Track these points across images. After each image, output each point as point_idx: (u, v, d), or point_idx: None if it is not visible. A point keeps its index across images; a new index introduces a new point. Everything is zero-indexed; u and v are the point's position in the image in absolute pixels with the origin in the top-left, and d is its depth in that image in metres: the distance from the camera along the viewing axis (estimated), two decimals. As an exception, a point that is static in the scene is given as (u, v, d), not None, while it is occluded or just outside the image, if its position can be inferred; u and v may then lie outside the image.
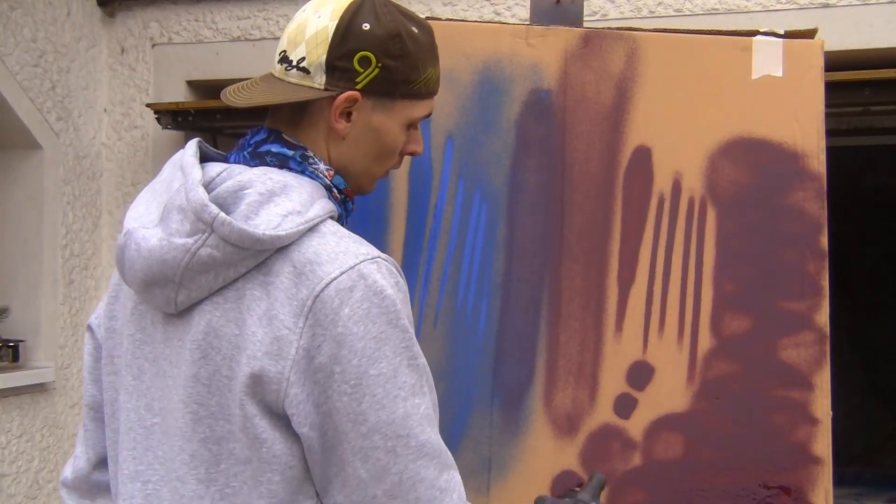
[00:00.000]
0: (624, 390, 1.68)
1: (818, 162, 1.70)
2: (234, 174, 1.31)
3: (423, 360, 1.28)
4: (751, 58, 1.73)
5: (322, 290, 1.23)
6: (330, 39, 1.34)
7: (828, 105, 1.72)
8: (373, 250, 1.30)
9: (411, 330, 1.27)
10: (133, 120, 4.14)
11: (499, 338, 1.70)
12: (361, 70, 1.34)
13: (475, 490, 1.67)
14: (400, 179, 1.75)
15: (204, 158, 1.39)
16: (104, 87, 4.18)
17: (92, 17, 4.13)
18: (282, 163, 1.36)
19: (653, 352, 1.69)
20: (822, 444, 1.64)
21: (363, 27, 1.34)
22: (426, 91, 1.41)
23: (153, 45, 4.13)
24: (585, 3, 1.86)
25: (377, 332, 1.23)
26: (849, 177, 4.36)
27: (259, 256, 1.26)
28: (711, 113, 1.72)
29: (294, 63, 1.37)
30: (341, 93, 1.34)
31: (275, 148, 1.37)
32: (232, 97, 1.42)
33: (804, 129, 1.71)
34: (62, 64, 3.95)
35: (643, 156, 1.73)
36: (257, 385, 1.23)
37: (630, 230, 1.71)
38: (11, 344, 3.76)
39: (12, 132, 3.77)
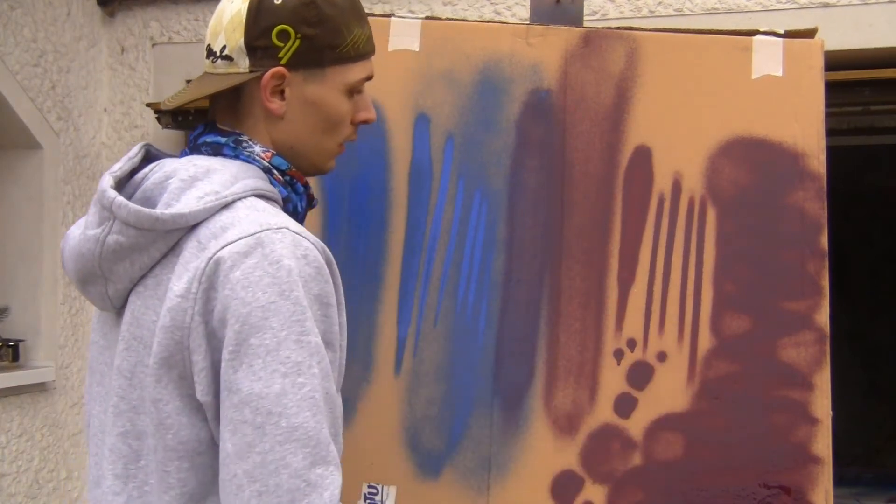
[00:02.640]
0: (624, 390, 1.68)
1: (818, 162, 1.70)
2: (164, 167, 1.31)
3: (317, 339, 1.21)
4: (751, 58, 1.73)
5: (216, 252, 1.20)
6: (245, 21, 1.33)
7: (828, 105, 1.72)
8: (284, 221, 1.25)
9: (310, 306, 1.20)
10: (133, 119, 4.14)
11: (499, 338, 1.70)
12: (282, 44, 1.33)
13: (475, 490, 1.67)
14: (400, 179, 1.75)
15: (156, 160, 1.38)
16: (104, 86, 4.18)
17: (92, 16, 4.13)
18: (216, 151, 1.35)
19: (653, 352, 1.69)
20: (823, 444, 1.64)
21: (275, 2, 1.32)
22: (356, 53, 1.38)
23: (153, 45, 4.13)
24: (585, 3, 1.86)
25: (266, 300, 1.17)
26: (849, 177, 4.36)
27: (169, 238, 1.25)
28: (711, 113, 1.72)
29: (218, 53, 1.36)
30: (266, 71, 1.33)
31: (209, 138, 1.36)
32: (167, 101, 1.42)
33: (804, 128, 1.71)
34: (62, 64, 3.95)
35: (643, 156, 1.73)
36: (163, 365, 1.21)
37: (630, 230, 1.71)
38: (11, 344, 3.76)
39: (12, 132, 3.77)
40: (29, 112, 3.76)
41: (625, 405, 1.68)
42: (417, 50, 1.77)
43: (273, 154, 1.36)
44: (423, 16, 1.80)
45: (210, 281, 1.20)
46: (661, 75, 1.73)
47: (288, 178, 1.38)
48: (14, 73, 3.69)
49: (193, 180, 1.27)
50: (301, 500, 1.15)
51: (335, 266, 1.29)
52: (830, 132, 1.78)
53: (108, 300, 1.30)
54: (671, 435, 1.66)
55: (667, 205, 1.72)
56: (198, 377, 1.20)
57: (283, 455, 1.15)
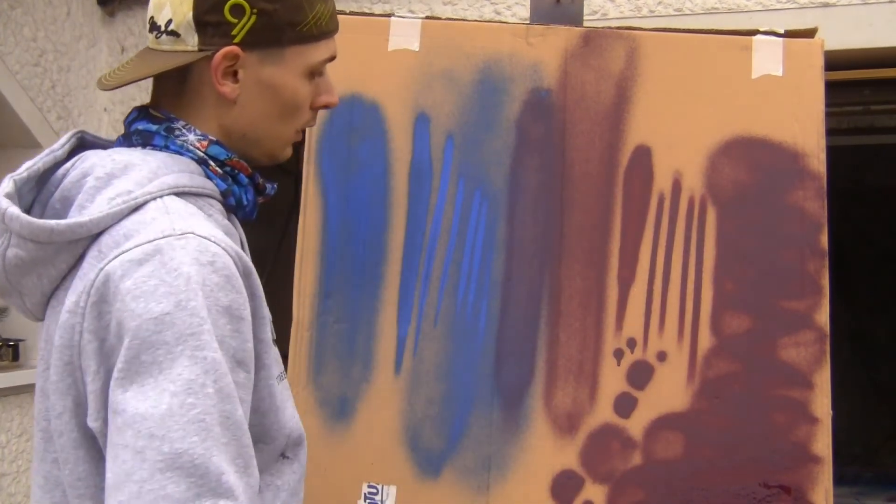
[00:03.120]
0: (624, 390, 1.68)
1: (818, 161, 1.70)
2: (84, 161, 1.18)
3: (216, 355, 1.05)
4: (751, 57, 1.73)
5: (108, 262, 1.07)
6: None
7: (828, 104, 1.72)
8: (192, 226, 1.10)
9: (214, 319, 1.06)
10: (133, 119, 4.14)
11: (499, 337, 1.70)
12: (235, 20, 1.18)
13: (475, 490, 1.67)
14: (400, 179, 1.75)
15: (94, 148, 1.24)
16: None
17: (92, 16, 4.13)
18: (146, 140, 1.21)
19: (653, 351, 1.69)
20: (823, 444, 1.64)
21: None
22: (319, 31, 1.24)
23: (153, 45, 4.13)
24: (585, 3, 1.86)
25: (159, 311, 1.03)
26: (849, 177, 4.36)
27: (74, 248, 1.12)
28: (711, 113, 1.72)
29: (163, 28, 1.20)
30: (217, 50, 1.18)
31: (141, 125, 1.22)
32: (104, 80, 1.26)
33: (804, 128, 1.71)
34: (62, 63, 3.95)
35: (643, 155, 1.73)
36: (57, 391, 1.09)
37: (630, 230, 1.71)
38: (11, 343, 3.76)
39: (12, 131, 3.77)
40: (29, 112, 3.76)
41: (625, 405, 1.68)
42: (417, 50, 1.77)
43: (210, 142, 1.21)
44: (423, 16, 1.80)
45: (100, 294, 1.06)
46: (661, 75, 1.73)
47: (228, 168, 1.23)
48: (14, 73, 3.69)
49: (110, 178, 1.14)
50: None
51: (255, 277, 1.16)
52: (830, 132, 1.78)
53: (31, 313, 1.19)
54: (671, 434, 1.66)
55: (667, 204, 1.72)
56: (88, 400, 1.07)
57: (163, 485, 0.99)
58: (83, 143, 1.26)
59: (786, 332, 1.67)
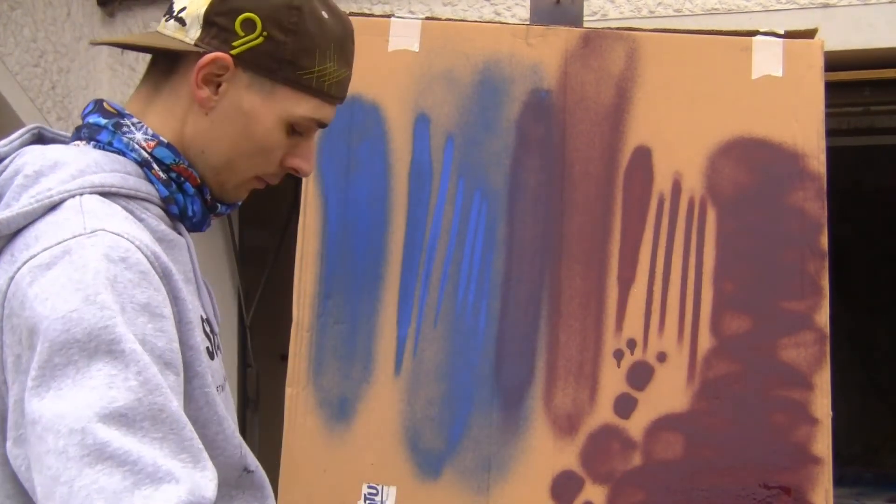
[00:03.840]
0: (624, 390, 1.68)
1: (818, 162, 1.70)
2: (19, 157, 1.13)
3: (134, 346, 0.98)
4: (751, 58, 1.73)
5: (17, 271, 1.01)
6: None
7: (828, 105, 1.72)
8: (104, 223, 1.04)
9: (131, 316, 0.99)
10: (133, 120, 4.14)
11: (499, 338, 1.70)
12: (242, 34, 1.14)
13: (475, 490, 1.67)
14: (400, 179, 1.75)
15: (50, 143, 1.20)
16: (104, 86, 4.18)
17: (92, 17, 4.13)
18: (92, 135, 1.16)
19: (653, 352, 1.69)
20: (822, 444, 1.64)
21: None
22: (318, 87, 1.18)
23: (153, 45, 4.13)
24: (585, 3, 1.86)
25: (66, 310, 0.96)
26: (849, 177, 4.36)
27: None
28: (711, 113, 1.72)
29: (175, 13, 1.17)
30: (210, 52, 1.14)
31: (92, 119, 1.17)
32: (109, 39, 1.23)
33: (804, 129, 1.71)
34: (62, 64, 3.95)
35: (643, 156, 1.73)
36: None
37: (630, 230, 1.71)
38: None
39: (12, 132, 3.77)
40: (29, 112, 3.76)
41: (625, 405, 1.68)
42: (417, 50, 1.77)
43: (159, 143, 1.15)
44: (423, 16, 1.80)
45: (10, 306, 1.00)
46: (661, 75, 1.73)
47: (173, 174, 1.16)
48: (14, 74, 3.69)
49: (38, 176, 1.08)
50: None
51: (175, 279, 1.09)
52: (830, 132, 1.78)
53: None
54: (671, 435, 1.66)
55: (667, 205, 1.72)
56: (8, 421, 1.00)
57: (94, 479, 0.91)
58: (41, 139, 1.20)
59: (786, 333, 1.67)
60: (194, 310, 1.13)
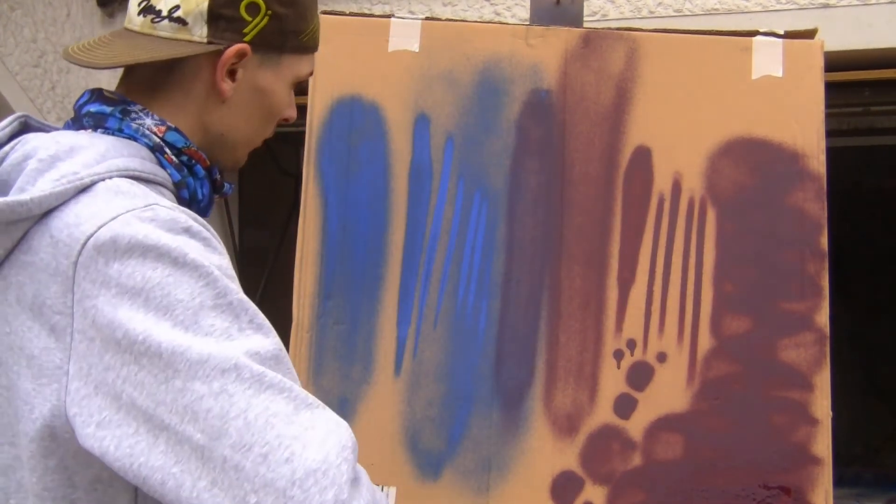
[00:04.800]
0: (624, 390, 1.68)
1: (818, 162, 1.70)
2: (25, 143, 1.11)
3: (238, 296, 0.99)
4: (751, 58, 1.73)
5: (79, 252, 0.99)
6: None
7: (828, 105, 1.72)
8: (157, 200, 1.05)
9: (213, 269, 0.99)
10: (133, 120, 4.15)
11: (499, 338, 1.70)
12: (250, 19, 1.15)
13: (475, 490, 1.67)
14: (400, 179, 1.75)
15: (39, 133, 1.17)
16: (104, 86, 4.19)
17: (92, 17, 4.13)
18: (98, 122, 1.15)
19: (653, 352, 1.69)
20: (822, 445, 1.64)
21: None
22: (313, 44, 1.24)
23: (153, 46, 4.13)
24: (585, 4, 1.86)
25: (160, 277, 0.97)
26: (849, 177, 4.36)
27: (13, 231, 1.03)
28: (711, 113, 1.72)
29: (165, 14, 1.15)
30: (228, 46, 1.14)
31: (93, 107, 1.16)
32: (82, 55, 1.18)
33: (804, 129, 1.71)
34: (62, 64, 3.96)
35: (643, 156, 1.73)
36: (39, 393, 1.00)
37: (630, 230, 1.71)
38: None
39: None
40: (29, 112, 3.77)
41: (625, 406, 1.68)
42: (417, 50, 1.77)
43: (168, 128, 1.15)
44: (423, 16, 1.80)
45: (82, 289, 0.98)
46: (661, 75, 1.73)
47: (184, 158, 1.17)
48: (14, 74, 3.69)
49: (54, 160, 1.07)
50: (311, 440, 0.95)
51: (224, 249, 1.09)
52: (830, 133, 1.78)
53: None
54: (671, 435, 1.66)
55: (667, 205, 1.72)
56: (78, 408, 0.98)
57: (265, 405, 0.94)
58: (27, 128, 1.19)
59: (786, 334, 1.67)
60: None
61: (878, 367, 5.79)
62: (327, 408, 1.01)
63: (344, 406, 1.69)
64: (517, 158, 1.74)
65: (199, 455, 0.93)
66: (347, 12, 1.83)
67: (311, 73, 1.27)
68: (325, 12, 1.80)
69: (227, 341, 0.96)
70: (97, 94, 1.19)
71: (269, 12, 1.17)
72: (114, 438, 0.96)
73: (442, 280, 1.72)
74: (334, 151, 1.75)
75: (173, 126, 1.16)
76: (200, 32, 1.15)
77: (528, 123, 1.75)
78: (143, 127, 1.15)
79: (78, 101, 1.20)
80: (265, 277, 4.66)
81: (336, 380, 1.71)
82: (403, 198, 1.74)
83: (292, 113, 1.27)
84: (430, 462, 1.68)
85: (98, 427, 0.96)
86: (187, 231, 1.02)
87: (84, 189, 1.05)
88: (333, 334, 1.71)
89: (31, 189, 1.05)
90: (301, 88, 1.67)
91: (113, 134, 1.14)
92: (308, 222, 1.74)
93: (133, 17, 1.18)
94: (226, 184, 1.26)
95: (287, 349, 1.69)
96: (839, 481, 1.78)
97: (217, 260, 1.02)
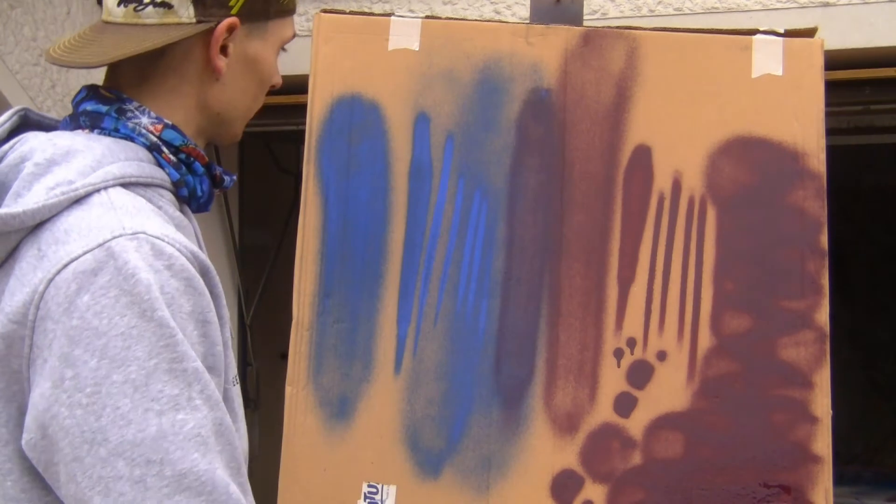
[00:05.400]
0: (624, 389, 1.68)
1: (818, 161, 1.70)
2: (23, 144, 1.10)
3: (194, 364, 0.99)
4: (751, 57, 1.73)
5: (57, 272, 0.99)
6: None
7: (828, 104, 1.72)
8: (143, 224, 1.03)
9: (181, 324, 1.00)
10: (133, 119, 4.14)
11: (499, 337, 1.70)
12: None
13: (475, 489, 1.67)
14: (400, 178, 1.75)
15: (38, 128, 1.19)
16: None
17: (92, 15, 4.13)
18: (94, 122, 1.15)
19: (653, 351, 1.69)
20: (823, 443, 1.64)
21: None
22: (293, 5, 1.26)
23: (153, 44, 4.13)
24: (585, 2, 1.86)
25: (125, 326, 0.96)
26: (849, 176, 4.36)
27: (6, 241, 1.03)
28: (711, 111, 1.72)
29: (147, 0, 1.14)
30: (218, 22, 1.14)
31: (89, 106, 1.16)
32: (69, 56, 1.16)
33: (804, 128, 1.71)
34: (62, 63, 3.95)
35: (643, 155, 1.73)
36: (3, 398, 1.01)
37: (630, 229, 1.71)
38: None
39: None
40: (29, 111, 3.76)
41: (625, 404, 1.68)
42: (417, 49, 1.76)
43: (165, 126, 1.15)
44: (423, 15, 1.80)
45: (48, 307, 0.98)
46: (661, 75, 1.73)
47: (182, 156, 1.17)
48: (14, 73, 3.69)
49: (50, 164, 1.06)
50: None
51: (213, 274, 1.09)
52: (830, 131, 1.78)
53: None
54: (671, 434, 1.66)
55: (667, 204, 1.72)
56: (28, 414, 1.00)
57: None
58: (27, 122, 1.18)
59: (786, 332, 1.67)
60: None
61: (879, 366, 5.79)
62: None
63: (344, 404, 1.69)
64: (517, 157, 1.74)
65: None
66: (347, 11, 1.83)
67: (294, 35, 1.27)
68: (325, 11, 1.80)
69: (170, 412, 0.96)
70: (93, 91, 1.18)
71: None
72: (41, 463, 0.99)
73: (442, 278, 1.72)
74: (334, 150, 1.75)
75: (170, 123, 1.16)
76: (188, 13, 1.14)
77: (529, 122, 1.75)
78: (139, 126, 1.14)
79: (75, 97, 1.20)
80: (265, 276, 4.66)
81: (336, 378, 1.71)
82: (403, 196, 1.74)
83: (279, 79, 1.28)
84: (430, 460, 1.68)
85: (27, 447, 0.99)
86: (170, 268, 1.01)
87: (78, 200, 1.04)
88: (333, 332, 1.72)
89: (26, 195, 1.04)
90: (301, 87, 1.69)
91: (109, 134, 1.13)
92: (308, 221, 1.74)
93: (112, 9, 1.16)
94: (226, 177, 1.25)
95: (288, 347, 1.71)
96: (839, 480, 1.78)
97: (189, 305, 1.01)
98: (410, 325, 1.71)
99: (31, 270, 1.01)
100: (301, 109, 1.78)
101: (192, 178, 1.18)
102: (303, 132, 1.76)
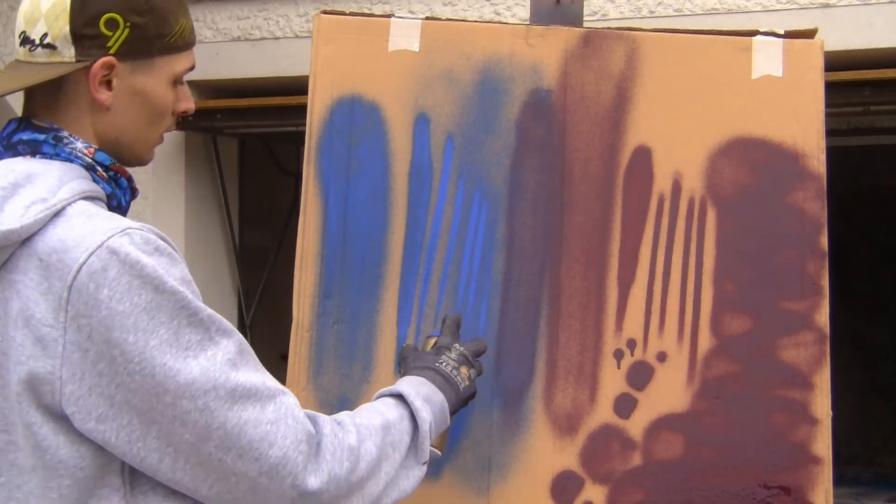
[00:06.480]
0: (624, 390, 1.68)
1: (818, 162, 1.70)
2: None
3: (205, 312, 1.23)
4: (751, 58, 1.73)
5: (74, 278, 1.18)
6: (69, 8, 1.28)
7: (828, 105, 1.72)
8: (123, 223, 1.23)
9: (183, 287, 1.22)
10: (133, 120, 4.14)
11: (499, 337, 1.70)
12: (110, 33, 1.29)
13: (475, 490, 1.67)
14: (400, 179, 1.75)
15: None
16: (104, 86, 4.18)
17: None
18: (34, 149, 1.30)
19: (653, 352, 1.69)
20: (822, 444, 1.64)
21: None
22: (183, 43, 1.37)
23: (153, 45, 4.13)
24: (585, 3, 1.86)
25: (145, 302, 1.18)
26: (849, 177, 4.36)
27: (2, 254, 1.21)
28: (711, 113, 1.72)
29: (37, 42, 1.30)
30: (95, 61, 1.29)
31: (25, 135, 1.31)
32: None
33: (804, 129, 1.71)
34: (62, 64, 3.95)
35: (643, 156, 1.73)
36: (30, 390, 1.19)
37: (630, 230, 1.71)
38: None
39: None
40: (29, 112, 3.76)
41: (625, 405, 1.68)
42: (417, 50, 1.77)
43: (96, 150, 1.32)
44: (423, 16, 1.80)
45: (76, 309, 1.17)
46: (661, 75, 1.73)
47: (112, 173, 1.34)
48: (14, 73, 3.69)
49: (15, 187, 1.23)
50: (274, 440, 1.22)
51: (174, 245, 1.29)
52: (830, 132, 1.78)
53: None
54: (671, 435, 1.66)
55: (667, 205, 1.72)
56: (75, 406, 1.18)
57: (238, 416, 1.21)
58: None
59: (786, 333, 1.67)
60: None
61: (878, 367, 5.80)
62: (286, 392, 1.28)
63: (344, 405, 1.69)
64: (517, 158, 1.74)
65: (188, 447, 1.20)
66: (347, 12, 1.83)
67: (191, 68, 1.40)
68: (325, 12, 1.80)
69: (202, 353, 1.21)
70: (25, 123, 1.33)
71: (129, 24, 1.30)
72: (112, 430, 1.19)
73: (442, 279, 1.73)
74: (334, 151, 1.75)
75: (98, 147, 1.32)
76: (70, 53, 1.29)
77: (529, 123, 1.75)
78: (76, 150, 1.30)
79: (4, 130, 1.35)
80: (265, 277, 4.66)
81: (336, 379, 1.71)
82: (403, 197, 1.74)
83: (188, 105, 1.42)
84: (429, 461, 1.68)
85: (98, 422, 1.19)
86: (157, 250, 1.22)
87: (56, 213, 1.22)
88: (333, 333, 1.72)
89: (0, 216, 1.20)
90: (301, 88, 1.69)
91: (51, 158, 1.29)
92: (308, 221, 1.74)
93: (18, 48, 1.33)
94: (136, 189, 1.43)
95: (288, 348, 1.71)
96: (839, 481, 1.78)
97: (179, 273, 1.23)
98: (410, 326, 1.72)
99: (44, 280, 1.19)
100: (301, 110, 1.78)
101: (119, 191, 1.35)
102: (303, 133, 1.76)
